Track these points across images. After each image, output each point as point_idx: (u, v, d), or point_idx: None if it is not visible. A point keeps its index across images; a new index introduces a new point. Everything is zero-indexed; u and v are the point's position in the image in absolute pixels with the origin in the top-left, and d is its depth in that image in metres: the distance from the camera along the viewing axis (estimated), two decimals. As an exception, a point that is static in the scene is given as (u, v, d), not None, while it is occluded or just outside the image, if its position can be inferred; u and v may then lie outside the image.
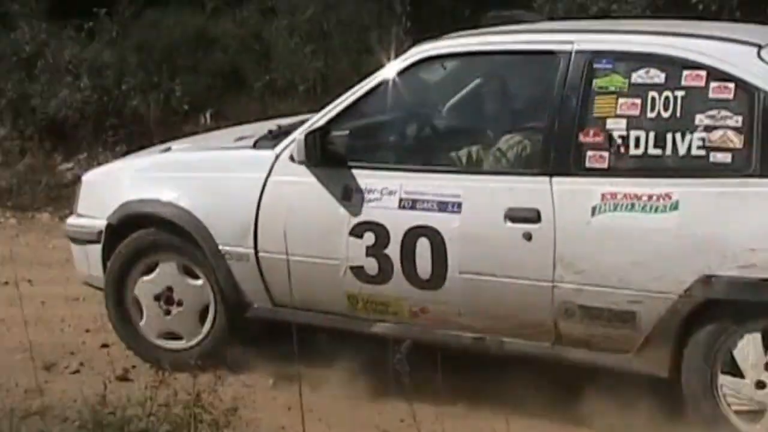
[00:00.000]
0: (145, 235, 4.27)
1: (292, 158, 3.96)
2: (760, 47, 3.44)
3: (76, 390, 3.84)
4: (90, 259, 4.46)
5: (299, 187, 3.96)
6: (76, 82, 8.46)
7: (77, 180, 5.22)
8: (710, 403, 3.40)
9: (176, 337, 4.31)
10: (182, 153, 4.50)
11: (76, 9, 8.99)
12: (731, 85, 3.37)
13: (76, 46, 8.89)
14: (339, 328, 4.03)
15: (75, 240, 4.56)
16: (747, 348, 3.33)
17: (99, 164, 6.36)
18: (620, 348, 3.52)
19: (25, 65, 8.93)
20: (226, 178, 4.15)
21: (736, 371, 3.36)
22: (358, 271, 3.86)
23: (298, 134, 3.91)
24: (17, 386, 4.13)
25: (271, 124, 4.50)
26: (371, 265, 3.83)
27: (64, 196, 7.36)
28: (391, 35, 7.99)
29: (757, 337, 3.29)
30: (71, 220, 4.60)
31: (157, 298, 4.29)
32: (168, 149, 4.61)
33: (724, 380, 3.36)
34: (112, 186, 4.44)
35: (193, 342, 4.26)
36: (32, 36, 9.02)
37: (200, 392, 3.28)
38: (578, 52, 3.61)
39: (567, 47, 3.64)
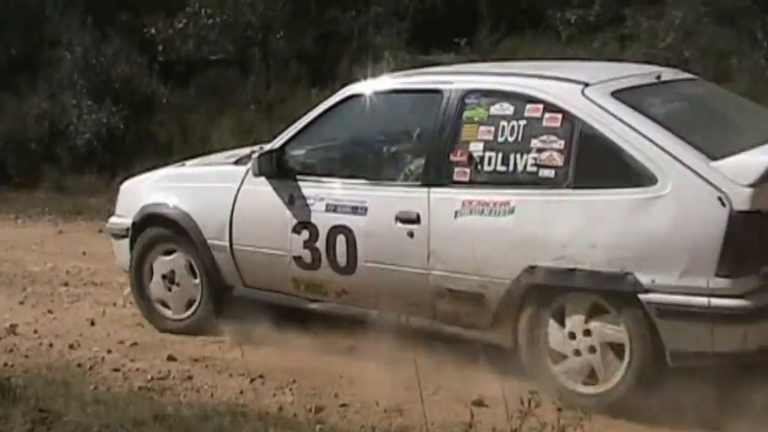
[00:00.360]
0: (156, 231, 5.54)
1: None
2: (586, 85, 4.31)
3: (433, 412, 3.89)
4: (123, 250, 5.77)
5: (260, 194, 5.09)
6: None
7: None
8: (541, 366, 4.27)
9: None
10: (186, 168, 5.74)
11: (438, 39, 9.74)
12: (559, 116, 4.25)
13: (438, 75, 9.60)
14: (289, 305, 5.13)
15: (114, 235, 5.87)
16: (560, 315, 4.23)
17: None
18: (478, 324, 4.45)
19: (389, 95, 9.72)
20: (212, 188, 5.33)
21: (562, 322, 4.23)
22: (298, 260, 4.95)
23: (255, 154, 5.06)
24: (378, 405, 4.35)
25: (258, 147, 5.67)
26: (307, 255, 4.91)
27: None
28: (750, 61, 7.88)
29: (562, 310, 4.20)
30: (111, 220, 5.91)
31: (164, 279, 5.56)
32: (182, 165, 5.87)
33: (551, 326, 4.23)
34: (136, 193, 5.72)
35: (183, 315, 5.51)
36: (396, 66, 9.44)
37: (565, 426, 3.38)
38: (455, 90, 4.59)
39: (449, 86, 4.63)
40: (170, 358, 5.11)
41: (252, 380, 4.72)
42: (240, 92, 11.61)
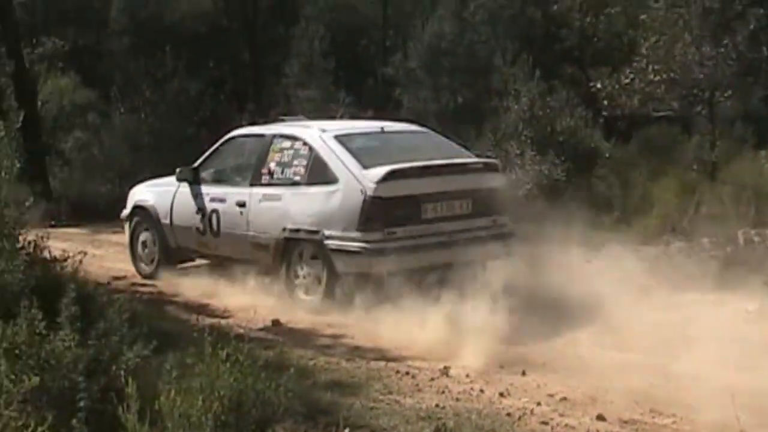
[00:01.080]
0: (139, 216, 9.44)
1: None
2: (323, 131, 7.83)
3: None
4: (126, 229, 9.69)
5: (185, 193, 8.86)
6: None
7: None
8: (291, 285, 7.72)
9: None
10: (161, 179, 9.62)
11: None
12: (307, 147, 7.80)
13: None
14: (198, 257, 8.83)
15: (122, 220, 9.81)
16: (299, 256, 7.66)
17: None
18: (268, 263, 7.96)
19: None
20: (166, 189, 9.16)
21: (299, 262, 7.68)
22: (197, 230, 8.66)
23: (179, 169, 8.87)
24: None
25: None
26: (201, 227, 8.62)
27: None
28: None
29: (300, 253, 7.64)
30: (124, 211, 9.85)
31: (142, 245, 9.42)
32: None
33: (295, 264, 7.65)
34: (135, 193, 9.64)
35: (152, 267, 9.30)
36: None
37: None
38: (270, 134, 8.24)
39: (269, 132, 8.31)
40: (599, 418, 5.04)
41: None
42: (682, 151, 11.52)
